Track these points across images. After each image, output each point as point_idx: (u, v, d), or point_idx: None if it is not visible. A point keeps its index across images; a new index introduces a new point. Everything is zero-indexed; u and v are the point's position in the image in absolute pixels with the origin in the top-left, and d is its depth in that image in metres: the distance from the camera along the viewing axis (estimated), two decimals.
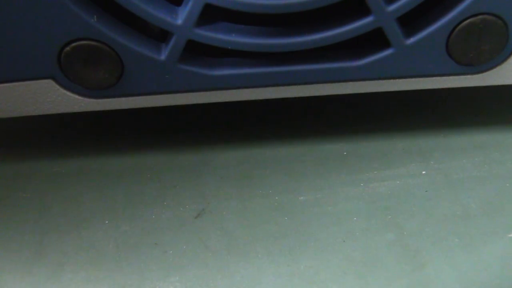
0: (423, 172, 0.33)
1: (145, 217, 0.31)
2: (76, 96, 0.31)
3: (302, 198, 0.32)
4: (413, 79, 0.32)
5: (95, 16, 0.29)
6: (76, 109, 0.32)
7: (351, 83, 0.32)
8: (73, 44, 0.29)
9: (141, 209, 0.32)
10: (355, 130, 0.36)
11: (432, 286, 0.27)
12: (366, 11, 0.29)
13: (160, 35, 0.31)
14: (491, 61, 0.31)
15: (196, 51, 0.31)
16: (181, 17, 0.29)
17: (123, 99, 0.32)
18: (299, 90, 0.32)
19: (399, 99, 0.38)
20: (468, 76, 0.32)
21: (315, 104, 0.38)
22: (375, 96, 0.35)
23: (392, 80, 0.32)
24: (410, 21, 0.30)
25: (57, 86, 0.31)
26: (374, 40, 0.31)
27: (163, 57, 0.30)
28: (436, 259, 0.28)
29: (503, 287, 0.27)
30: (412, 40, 0.30)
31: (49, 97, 0.31)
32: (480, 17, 0.30)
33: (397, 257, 0.29)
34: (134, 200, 0.32)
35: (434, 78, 0.32)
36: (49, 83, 0.31)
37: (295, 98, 0.33)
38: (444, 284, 0.28)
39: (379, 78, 0.32)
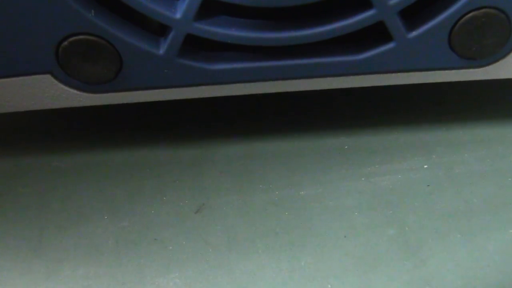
0: (425, 167, 0.33)
1: (144, 212, 0.31)
2: (75, 91, 0.31)
3: (303, 193, 0.32)
4: (415, 73, 0.32)
5: (92, 11, 0.29)
6: (75, 104, 0.32)
7: (352, 77, 0.32)
8: (71, 39, 0.29)
9: (140, 204, 0.32)
10: (356, 124, 0.36)
11: (434, 282, 0.27)
12: (367, 5, 0.29)
13: (159, 30, 0.30)
14: (494, 55, 0.31)
15: (195, 45, 0.30)
16: (179, 11, 0.29)
17: (122, 93, 0.31)
18: (300, 84, 0.32)
19: (401, 92, 0.38)
20: (471, 70, 0.32)
21: (316, 98, 0.38)
22: (376, 90, 0.34)
23: (394, 74, 0.32)
24: (412, 15, 0.30)
25: (55, 81, 0.31)
26: (376, 33, 0.30)
27: (161, 51, 0.30)
28: (438, 255, 0.28)
29: (506, 283, 0.27)
30: (414, 33, 0.30)
31: (47, 92, 0.31)
32: (482, 10, 0.29)
33: (399, 253, 0.29)
34: (134, 196, 0.32)
35: (436, 72, 0.32)
36: (47, 78, 0.31)
37: (295, 92, 0.33)
38: (446, 280, 0.27)
39: (381, 72, 0.32)
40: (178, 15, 0.29)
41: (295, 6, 0.29)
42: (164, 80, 0.31)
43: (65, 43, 0.29)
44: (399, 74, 0.32)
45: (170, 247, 0.29)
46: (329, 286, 0.28)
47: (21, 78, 0.31)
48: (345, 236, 0.30)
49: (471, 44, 0.30)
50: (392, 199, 0.31)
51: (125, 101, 0.32)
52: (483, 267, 0.28)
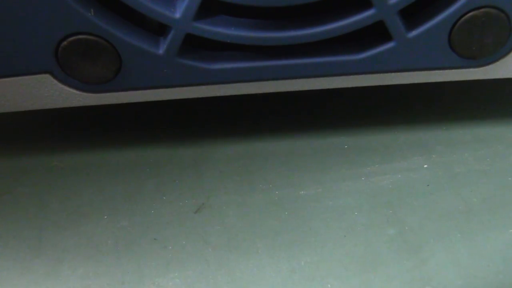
0: (425, 166, 0.33)
1: (144, 212, 0.31)
2: (74, 91, 0.31)
3: (302, 192, 0.32)
4: (415, 73, 0.32)
5: (92, 10, 0.29)
6: (74, 103, 0.32)
7: (352, 76, 0.32)
8: (70, 39, 0.29)
9: (140, 204, 0.32)
10: (356, 124, 0.36)
11: (434, 282, 0.27)
12: (367, 4, 0.29)
13: (158, 29, 0.30)
14: (494, 54, 0.31)
15: (194, 45, 0.30)
16: (179, 10, 0.29)
17: (121, 93, 0.31)
18: (300, 84, 0.32)
19: (400, 92, 0.38)
20: (471, 69, 0.32)
21: (316, 98, 0.38)
22: (376, 89, 0.34)
23: (394, 74, 0.32)
24: (412, 14, 0.30)
25: (55, 81, 0.31)
26: (376, 33, 0.30)
27: (161, 51, 0.30)
28: (438, 255, 0.28)
29: (506, 283, 0.27)
30: (414, 33, 0.30)
31: (47, 92, 0.31)
32: (482, 10, 0.29)
33: (399, 253, 0.29)
34: (133, 195, 0.32)
35: (436, 71, 0.32)
36: (46, 78, 0.31)
37: (295, 92, 0.32)
38: (446, 279, 0.27)
39: (381, 72, 0.32)
40: (177, 15, 0.29)
41: (295, 6, 0.29)
42: (164, 79, 0.31)
43: (65, 42, 0.29)
44: (399, 73, 0.32)
45: (170, 247, 0.29)
46: (329, 286, 0.27)
47: (20, 77, 0.31)
48: (344, 236, 0.29)
49: (471, 43, 0.30)
50: (392, 199, 0.31)
51: (124, 101, 0.32)
52: (483, 267, 0.28)
